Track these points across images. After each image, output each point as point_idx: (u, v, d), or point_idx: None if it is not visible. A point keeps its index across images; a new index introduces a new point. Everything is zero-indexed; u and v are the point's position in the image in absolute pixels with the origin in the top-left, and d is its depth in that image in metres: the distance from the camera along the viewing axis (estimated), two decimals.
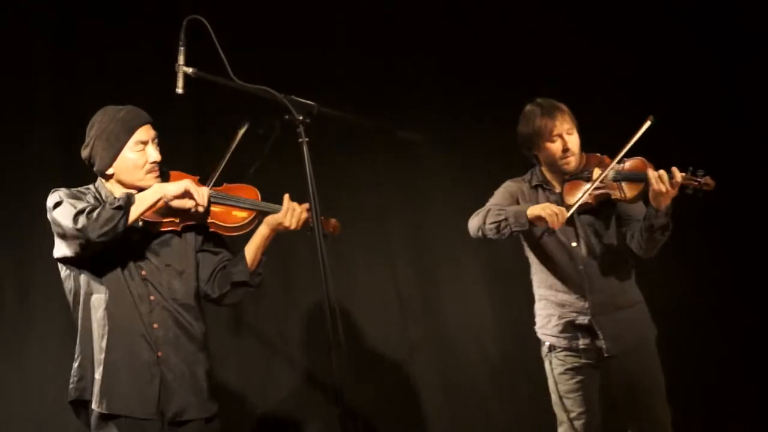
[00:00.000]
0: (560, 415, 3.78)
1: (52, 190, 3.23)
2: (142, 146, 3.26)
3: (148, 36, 4.61)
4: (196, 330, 3.31)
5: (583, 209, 3.70)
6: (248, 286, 3.37)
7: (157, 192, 3.16)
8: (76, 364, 3.25)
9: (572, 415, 3.73)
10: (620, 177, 3.64)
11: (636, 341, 3.73)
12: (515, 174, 5.03)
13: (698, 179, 3.47)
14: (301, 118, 2.86)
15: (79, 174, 4.27)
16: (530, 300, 5.02)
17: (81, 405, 3.24)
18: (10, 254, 4.48)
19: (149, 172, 3.27)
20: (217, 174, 3.29)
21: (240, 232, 3.33)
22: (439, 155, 5.02)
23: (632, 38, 4.98)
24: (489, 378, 4.99)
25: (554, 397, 3.79)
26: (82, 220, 3.05)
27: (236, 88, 2.97)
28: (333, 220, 3.38)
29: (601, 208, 3.71)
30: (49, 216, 3.18)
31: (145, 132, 3.28)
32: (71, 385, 3.24)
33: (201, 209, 3.16)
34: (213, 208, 3.27)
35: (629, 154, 3.63)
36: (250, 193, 3.35)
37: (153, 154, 3.27)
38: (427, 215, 5.06)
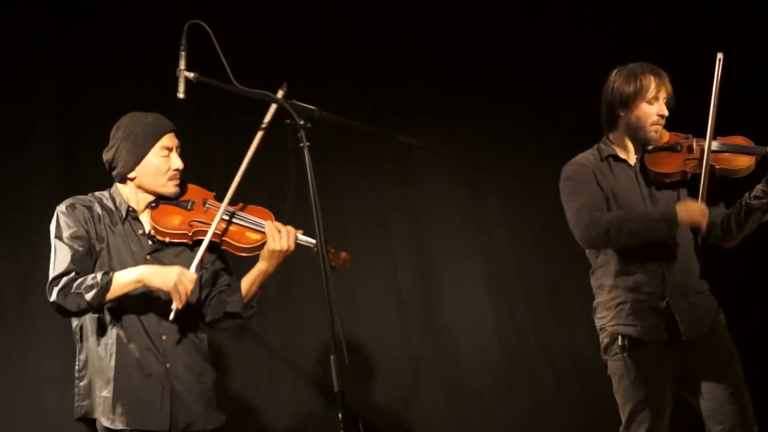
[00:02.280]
0: (630, 416, 3.55)
1: (57, 208, 3.25)
2: (166, 152, 3.28)
3: (148, 40, 4.60)
4: (202, 341, 3.34)
5: (673, 180, 3.59)
6: (240, 318, 3.37)
7: (139, 281, 3.14)
8: (82, 383, 3.25)
9: (646, 415, 3.52)
10: (726, 148, 3.56)
11: (711, 324, 3.56)
12: (514, 173, 5.07)
13: None
14: (302, 122, 2.86)
15: (80, 176, 4.29)
16: (530, 300, 5.05)
17: (87, 422, 3.24)
18: (10, 255, 4.48)
19: (171, 179, 3.29)
20: (231, 193, 3.25)
21: (250, 254, 3.30)
22: (440, 158, 5.02)
23: (635, 36, 4.97)
24: (490, 380, 4.97)
25: (626, 392, 3.54)
26: (54, 295, 3.12)
27: (237, 93, 2.97)
28: (343, 254, 3.32)
29: (688, 183, 3.59)
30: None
31: (170, 139, 3.31)
32: (77, 403, 3.25)
33: (179, 307, 3.14)
34: (226, 227, 3.27)
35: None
36: (265, 215, 3.33)
37: (177, 161, 3.30)
38: (427, 218, 5.06)
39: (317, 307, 4.65)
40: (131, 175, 3.28)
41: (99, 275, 3.12)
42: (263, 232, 3.27)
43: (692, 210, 3.43)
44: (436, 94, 5.08)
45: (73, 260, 3.15)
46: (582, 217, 3.53)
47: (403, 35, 5.07)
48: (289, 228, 3.23)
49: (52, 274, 3.14)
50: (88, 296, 3.09)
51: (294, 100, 2.91)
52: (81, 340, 3.26)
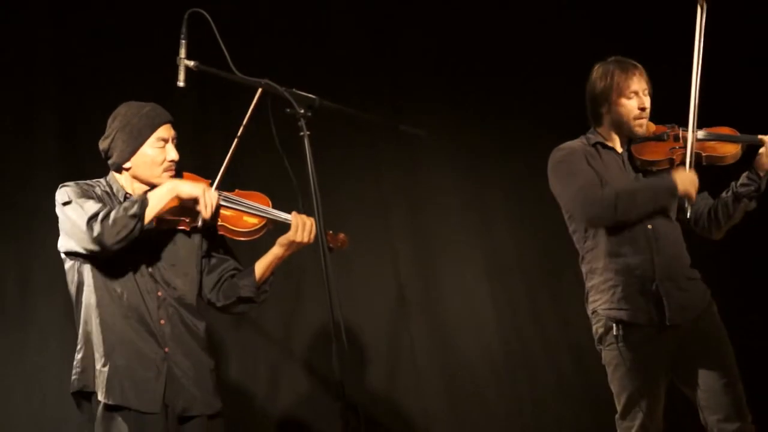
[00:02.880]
0: (626, 406, 3.57)
1: (61, 186, 3.24)
2: (162, 143, 3.28)
3: (148, 28, 4.60)
4: (199, 329, 3.33)
5: (660, 168, 3.63)
6: (253, 302, 3.39)
7: (172, 190, 3.16)
8: (79, 356, 3.25)
9: (641, 404, 3.54)
10: (712, 137, 3.62)
11: (704, 313, 3.59)
12: (513, 169, 5.06)
13: None
14: (302, 111, 2.86)
15: (81, 168, 4.29)
16: (530, 290, 5.05)
17: (83, 396, 3.24)
18: (11, 247, 4.48)
19: (166, 170, 3.29)
20: (222, 174, 3.27)
21: (249, 238, 3.31)
22: (440, 148, 5.02)
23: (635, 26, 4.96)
24: (490, 373, 4.99)
25: (621, 381, 3.56)
26: (96, 228, 3.07)
27: (238, 82, 2.97)
28: (341, 235, 3.36)
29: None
30: (58, 212, 3.20)
31: (167, 130, 3.30)
32: (74, 376, 3.25)
33: (207, 216, 3.16)
34: (223, 212, 3.27)
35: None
36: (261, 200, 3.34)
37: (172, 152, 3.29)
38: (428, 209, 5.06)
39: (316, 293, 4.68)
40: (126, 165, 3.28)
41: (132, 198, 3.15)
42: (261, 216, 3.29)
43: (686, 180, 3.52)
44: (437, 83, 5.08)
45: (99, 203, 3.16)
46: (585, 195, 3.56)
47: (405, 25, 5.07)
48: (313, 222, 3.23)
49: (85, 217, 3.09)
50: (132, 210, 3.06)
51: (294, 89, 2.92)
52: (82, 316, 3.25)
